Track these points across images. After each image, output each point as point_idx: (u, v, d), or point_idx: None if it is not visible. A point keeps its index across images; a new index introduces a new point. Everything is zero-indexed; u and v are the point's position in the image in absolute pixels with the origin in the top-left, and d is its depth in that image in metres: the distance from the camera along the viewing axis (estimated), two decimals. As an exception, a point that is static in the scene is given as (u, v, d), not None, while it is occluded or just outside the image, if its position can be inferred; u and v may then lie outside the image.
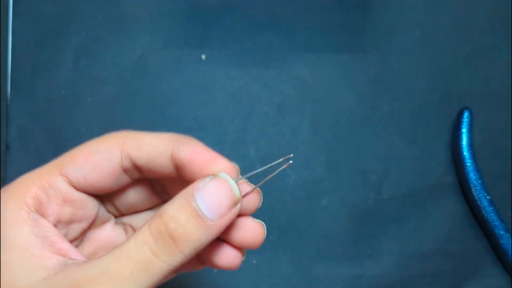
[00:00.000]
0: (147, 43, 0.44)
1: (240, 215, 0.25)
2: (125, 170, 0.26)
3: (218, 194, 0.23)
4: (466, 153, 0.43)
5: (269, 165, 0.27)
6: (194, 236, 0.23)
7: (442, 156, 0.44)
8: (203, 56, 0.45)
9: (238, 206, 0.24)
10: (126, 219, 0.30)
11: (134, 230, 0.30)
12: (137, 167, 0.26)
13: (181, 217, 0.23)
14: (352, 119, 0.44)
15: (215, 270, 0.42)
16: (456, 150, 0.43)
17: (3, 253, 0.23)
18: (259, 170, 0.26)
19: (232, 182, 0.24)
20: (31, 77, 0.44)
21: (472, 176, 0.42)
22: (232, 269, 0.26)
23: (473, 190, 0.42)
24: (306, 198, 0.43)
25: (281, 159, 0.27)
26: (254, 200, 0.26)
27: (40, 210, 0.24)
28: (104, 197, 0.28)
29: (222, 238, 0.26)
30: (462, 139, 0.43)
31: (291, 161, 0.27)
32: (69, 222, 0.26)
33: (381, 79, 0.45)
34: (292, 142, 0.44)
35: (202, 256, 0.27)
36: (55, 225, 0.25)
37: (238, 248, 0.26)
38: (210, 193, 0.23)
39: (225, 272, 0.42)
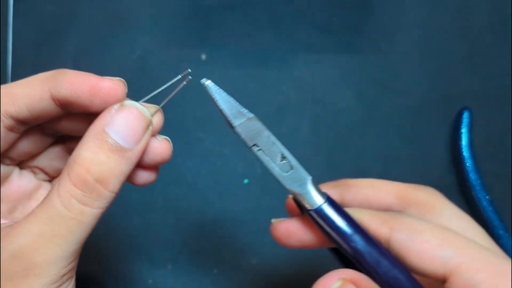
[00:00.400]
0: (147, 43, 0.44)
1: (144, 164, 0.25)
2: (11, 129, 0.25)
3: (129, 122, 0.23)
4: (465, 153, 0.43)
5: (166, 85, 0.26)
6: (119, 170, 0.23)
7: (442, 156, 0.44)
8: (203, 56, 0.45)
9: (151, 127, 0.24)
10: (29, 163, 0.28)
11: (42, 170, 0.28)
12: (21, 121, 0.24)
13: (101, 157, 0.22)
14: (352, 119, 0.44)
15: (215, 270, 0.42)
16: (456, 150, 0.43)
17: None
18: (156, 92, 0.26)
19: (140, 106, 0.24)
20: (31, 77, 0.44)
21: (472, 176, 0.42)
22: (150, 183, 0.26)
23: (472, 190, 0.42)
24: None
25: (178, 76, 0.26)
26: (158, 120, 0.26)
27: None
28: None
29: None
30: (461, 139, 0.43)
31: (190, 77, 0.26)
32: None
33: (380, 79, 0.45)
34: (292, 142, 0.44)
35: None
36: None
37: (152, 167, 0.26)
38: (121, 123, 0.23)
39: (225, 272, 0.42)
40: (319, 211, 0.24)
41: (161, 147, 0.25)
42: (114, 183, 0.23)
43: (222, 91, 0.25)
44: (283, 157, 0.26)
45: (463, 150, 0.43)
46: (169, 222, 0.42)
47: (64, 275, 0.23)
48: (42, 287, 0.22)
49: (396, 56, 0.45)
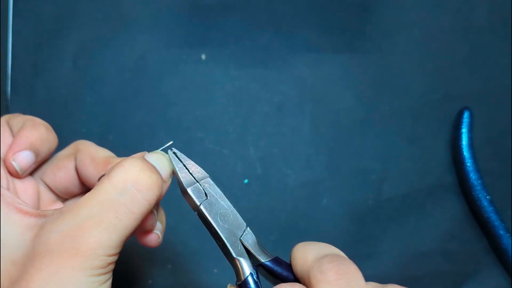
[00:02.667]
0: (147, 43, 0.44)
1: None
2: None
3: (162, 161, 0.27)
4: (466, 153, 0.43)
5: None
6: (160, 182, 0.25)
7: (442, 156, 0.44)
8: (203, 56, 0.45)
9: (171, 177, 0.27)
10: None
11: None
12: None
13: (148, 165, 0.25)
14: (352, 119, 0.44)
15: (215, 270, 0.42)
16: (456, 150, 0.43)
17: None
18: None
19: (168, 157, 0.27)
20: (31, 77, 0.44)
21: (472, 176, 0.42)
22: (153, 246, 0.29)
23: (473, 190, 0.42)
24: (306, 198, 0.43)
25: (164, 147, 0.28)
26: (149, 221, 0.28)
27: None
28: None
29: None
30: (462, 139, 0.43)
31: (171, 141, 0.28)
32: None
33: (381, 79, 0.45)
34: (292, 142, 0.44)
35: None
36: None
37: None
38: (157, 159, 0.27)
39: (225, 272, 0.42)
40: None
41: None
42: (159, 191, 0.25)
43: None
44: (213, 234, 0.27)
45: (463, 150, 0.43)
46: (169, 222, 0.42)
47: (109, 264, 0.23)
48: (87, 268, 0.23)
49: (396, 56, 0.45)
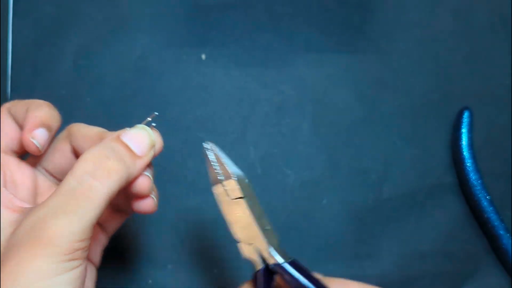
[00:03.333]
0: (147, 43, 0.44)
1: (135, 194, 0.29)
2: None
3: (140, 136, 0.28)
4: (466, 153, 0.43)
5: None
6: (128, 162, 0.27)
7: (442, 156, 0.44)
8: (203, 56, 0.45)
9: (153, 149, 0.29)
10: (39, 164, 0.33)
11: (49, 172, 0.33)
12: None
13: (114, 146, 0.27)
14: (352, 119, 0.44)
15: (215, 270, 0.42)
16: (456, 150, 0.43)
17: None
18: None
19: (149, 129, 0.29)
20: (31, 77, 0.44)
21: (472, 176, 0.42)
22: (151, 212, 0.30)
23: (473, 190, 0.42)
24: (306, 198, 0.43)
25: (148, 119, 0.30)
26: (159, 145, 0.30)
27: None
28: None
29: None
30: (462, 139, 0.43)
31: (156, 113, 0.30)
32: (14, 186, 0.29)
33: (381, 79, 0.45)
34: (292, 142, 0.44)
35: (121, 206, 0.31)
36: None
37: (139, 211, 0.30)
38: (133, 136, 0.28)
39: (225, 272, 0.42)
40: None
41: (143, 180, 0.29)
42: (121, 174, 0.26)
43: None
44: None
45: (463, 150, 0.43)
46: (169, 222, 0.42)
47: (75, 250, 0.24)
48: (53, 255, 0.24)
49: (396, 56, 0.45)
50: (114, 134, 0.28)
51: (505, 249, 0.41)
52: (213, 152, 0.29)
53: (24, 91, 0.43)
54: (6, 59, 0.44)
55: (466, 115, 0.43)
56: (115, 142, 0.27)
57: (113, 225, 0.33)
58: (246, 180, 0.29)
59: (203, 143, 0.29)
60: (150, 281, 0.41)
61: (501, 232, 0.41)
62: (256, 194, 0.43)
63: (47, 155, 0.31)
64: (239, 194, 0.28)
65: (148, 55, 0.44)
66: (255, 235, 0.28)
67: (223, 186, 0.28)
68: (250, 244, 0.28)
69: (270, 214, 0.43)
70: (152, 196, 0.30)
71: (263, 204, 0.43)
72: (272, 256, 0.27)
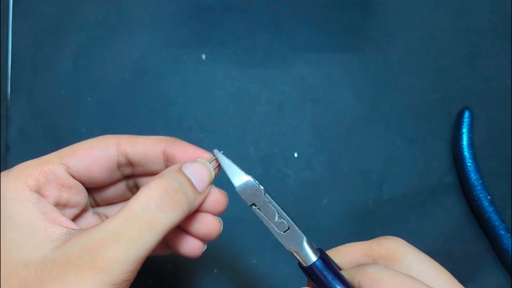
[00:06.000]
0: (147, 43, 0.44)
1: (202, 211, 0.29)
2: (119, 166, 0.29)
3: (201, 171, 0.28)
4: (466, 153, 0.43)
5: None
6: (190, 197, 0.26)
7: (443, 156, 0.44)
8: (203, 56, 0.45)
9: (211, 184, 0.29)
10: (100, 210, 0.32)
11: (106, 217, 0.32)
12: (130, 163, 0.29)
13: (180, 180, 0.26)
14: (352, 119, 0.44)
15: (215, 270, 0.42)
16: (457, 150, 0.43)
17: (10, 231, 0.24)
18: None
19: (209, 165, 0.28)
20: (31, 77, 0.44)
21: (473, 176, 0.42)
22: (194, 256, 0.30)
23: (473, 190, 0.42)
24: (306, 198, 0.43)
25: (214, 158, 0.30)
26: (221, 202, 0.29)
27: (40, 192, 0.26)
28: (89, 188, 0.30)
29: (185, 229, 0.30)
30: (462, 139, 0.43)
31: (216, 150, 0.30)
32: (65, 206, 0.28)
33: (381, 79, 0.45)
34: (292, 142, 0.44)
35: (169, 242, 0.30)
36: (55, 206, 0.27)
37: (200, 238, 0.30)
38: (195, 169, 0.27)
39: (225, 272, 0.42)
40: (311, 268, 0.27)
41: (212, 222, 0.29)
42: (184, 210, 0.26)
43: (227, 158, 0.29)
44: (280, 216, 0.28)
45: (464, 149, 0.43)
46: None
47: (125, 280, 0.24)
48: (103, 283, 0.23)
49: (397, 56, 0.45)
50: (177, 165, 0.28)
51: (506, 249, 0.41)
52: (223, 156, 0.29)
53: (24, 91, 0.43)
54: (6, 59, 0.44)
55: (466, 115, 0.43)
56: (180, 174, 0.27)
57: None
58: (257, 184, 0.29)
59: (214, 151, 0.29)
60: (150, 281, 0.41)
61: (502, 232, 0.41)
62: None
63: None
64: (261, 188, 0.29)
65: (148, 55, 0.44)
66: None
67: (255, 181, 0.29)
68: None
69: (270, 214, 0.43)
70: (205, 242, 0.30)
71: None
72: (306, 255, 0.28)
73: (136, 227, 0.24)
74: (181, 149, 0.29)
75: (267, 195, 0.28)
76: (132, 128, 0.44)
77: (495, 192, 0.42)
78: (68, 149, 0.28)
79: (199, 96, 0.44)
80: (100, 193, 0.31)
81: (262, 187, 0.28)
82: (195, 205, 0.27)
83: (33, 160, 0.27)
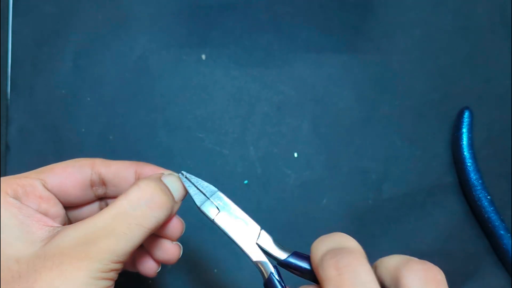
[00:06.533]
0: (147, 43, 0.44)
1: (165, 237, 0.31)
2: (93, 184, 0.31)
3: (177, 182, 0.30)
4: (466, 153, 0.43)
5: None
6: (171, 200, 0.29)
7: (443, 156, 0.44)
8: (203, 56, 0.45)
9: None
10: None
11: None
12: (103, 182, 0.31)
13: (163, 186, 0.29)
14: (352, 119, 0.44)
15: (215, 270, 0.42)
16: (457, 150, 0.43)
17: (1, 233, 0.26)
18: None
19: (181, 180, 0.30)
20: (31, 77, 0.44)
21: (473, 176, 0.42)
22: (149, 276, 0.32)
23: (473, 190, 0.42)
24: (306, 198, 0.43)
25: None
26: (178, 227, 0.31)
27: (20, 201, 0.28)
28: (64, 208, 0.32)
29: (149, 254, 0.32)
30: (462, 139, 0.43)
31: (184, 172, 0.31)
32: (45, 216, 0.29)
33: (381, 79, 0.45)
34: (292, 142, 0.44)
35: (135, 261, 0.33)
36: None
37: (160, 261, 0.32)
38: (173, 180, 0.30)
39: (225, 272, 0.42)
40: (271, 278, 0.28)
41: (171, 248, 0.32)
42: (168, 211, 0.28)
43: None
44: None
45: (463, 149, 0.43)
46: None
47: (112, 270, 0.26)
48: (92, 271, 0.25)
49: (397, 56, 0.45)
50: (157, 174, 0.30)
51: (506, 249, 0.41)
52: (188, 180, 0.30)
53: (24, 91, 0.44)
54: (6, 59, 0.44)
55: (466, 115, 0.43)
56: (162, 182, 0.29)
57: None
58: (218, 193, 0.30)
59: (182, 172, 0.31)
60: (150, 281, 0.41)
61: (502, 232, 0.41)
62: (256, 194, 0.43)
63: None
64: (210, 218, 0.29)
65: (148, 55, 0.44)
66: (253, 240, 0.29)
67: (202, 209, 0.30)
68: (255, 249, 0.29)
69: (270, 214, 0.43)
70: (179, 244, 0.33)
71: (263, 204, 0.43)
72: (279, 252, 0.28)
73: (126, 223, 0.26)
74: (151, 169, 0.31)
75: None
76: (132, 128, 0.44)
77: (495, 192, 0.42)
78: (45, 167, 0.30)
79: (199, 96, 0.44)
80: (74, 213, 0.33)
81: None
82: (174, 210, 0.30)
83: (11, 176, 0.29)
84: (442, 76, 0.45)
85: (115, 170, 0.31)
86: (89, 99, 0.44)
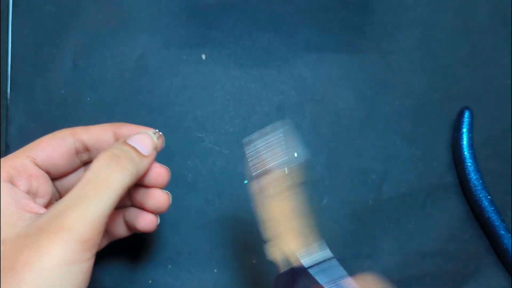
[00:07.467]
0: (147, 43, 0.44)
1: (153, 187, 0.34)
2: (77, 152, 0.33)
3: (144, 139, 0.32)
4: (466, 153, 0.42)
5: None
6: (136, 160, 0.31)
7: (443, 156, 0.44)
8: (203, 56, 0.45)
9: (155, 149, 0.33)
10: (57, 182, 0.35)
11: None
12: (86, 148, 0.33)
13: (124, 148, 0.31)
14: (352, 119, 0.44)
15: (215, 270, 0.42)
16: (457, 150, 0.43)
17: None
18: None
19: (151, 134, 0.33)
20: (31, 77, 0.44)
21: (473, 176, 0.42)
22: (150, 230, 0.35)
23: (473, 190, 0.42)
24: (306, 198, 0.43)
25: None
26: (160, 142, 0.34)
27: (12, 182, 0.30)
28: (52, 180, 0.34)
29: (140, 207, 0.34)
30: (462, 139, 0.43)
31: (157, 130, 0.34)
32: (35, 195, 0.32)
33: (381, 79, 0.45)
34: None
35: (128, 223, 0.35)
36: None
37: (153, 212, 0.35)
38: (137, 138, 0.32)
39: (225, 272, 0.42)
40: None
41: (161, 195, 0.34)
42: (131, 170, 0.30)
43: None
44: None
45: (464, 149, 0.43)
46: (169, 222, 0.42)
47: (89, 240, 0.26)
48: (70, 242, 0.26)
49: (397, 56, 0.45)
50: (122, 138, 0.32)
51: (506, 249, 0.41)
52: (254, 144, 0.30)
53: (24, 91, 0.44)
54: (6, 59, 0.44)
55: (466, 115, 0.43)
56: (123, 145, 0.31)
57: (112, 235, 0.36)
58: (291, 172, 0.28)
59: (244, 140, 0.32)
60: (150, 281, 0.41)
61: (502, 232, 0.41)
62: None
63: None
64: (275, 190, 0.28)
65: (148, 55, 0.44)
66: (286, 235, 0.27)
67: (259, 182, 0.29)
68: (277, 244, 0.27)
69: (270, 214, 0.43)
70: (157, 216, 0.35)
71: (263, 204, 0.43)
72: (298, 259, 0.27)
73: (91, 189, 0.28)
74: (128, 129, 0.33)
75: None
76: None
77: (495, 192, 0.42)
78: (32, 144, 0.32)
79: (199, 96, 0.44)
80: (63, 182, 0.35)
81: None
82: (144, 166, 0.31)
83: (3, 158, 0.31)
84: (442, 76, 0.45)
85: (95, 135, 0.33)
86: (89, 99, 0.44)
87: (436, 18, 0.46)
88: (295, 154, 0.29)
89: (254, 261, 0.42)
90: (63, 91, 0.44)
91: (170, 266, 0.42)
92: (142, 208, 0.35)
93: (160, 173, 0.33)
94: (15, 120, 0.43)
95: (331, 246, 0.43)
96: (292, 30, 0.45)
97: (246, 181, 0.43)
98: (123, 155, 0.30)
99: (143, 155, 0.31)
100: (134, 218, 0.34)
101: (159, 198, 0.34)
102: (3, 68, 0.43)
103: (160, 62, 0.44)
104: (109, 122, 0.43)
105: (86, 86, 0.44)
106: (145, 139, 0.32)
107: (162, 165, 0.34)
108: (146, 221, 0.34)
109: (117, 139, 0.33)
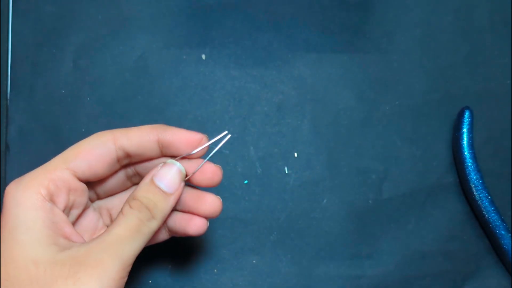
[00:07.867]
0: (147, 43, 0.44)
1: (200, 185, 0.33)
2: (118, 159, 0.32)
3: (169, 174, 0.31)
4: (466, 153, 0.42)
5: (211, 141, 0.34)
6: (161, 205, 0.31)
7: (443, 156, 0.44)
8: (203, 56, 0.45)
9: (184, 180, 0.32)
10: (101, 203, 0.35)
11: (108, 212, 0.35)
12: (128, 155, 0.32)
13: (149, 195, 0.31)
14: (352, 119, 0.44)
15: (215, 270, 0.42)
16: (457, 150, 0.43)
17: (22, 233, 0.28)
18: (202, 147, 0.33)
19: (178, 164, 0.32)
20: (31, 77, 0.44)
21: (473, 176, 0.42)
22: (199, 234, 0.34)
23: (474, 190, 0.42)
24: (306, 198, 0.43)
25: (219, 136, 0.34)
26: (213, 174, 0.33)
27: (52, 199, 0.29)
28: (90, 185, 0.33)
29: (191, 212, 0.34)
30: (462, 138, 0.43)
31: (229, 135, 0.34)
32: (71, 207, 0.31)
33: (381, 79, 0.45)
34: (292, 142, 0.44)
35: (174, 228, 0.34)
36: (63, 211, 0.30)
37: (204, 217, 0.34)
38: (163, 175, 0.31)
39: (225, 272, 0.42)
40: None
41: (213, 201, 0.34)
42: (159, 214, 0.31)
43: None
44: None
45: (464, 149, 0.43)
46: (169, 222, 0.42)
47: (121, 278, 0.28)
48: (106, 278, 0.27)
49: (397, 56, 0.45)
50: (148, 176, 0.32)
51: (506, 249, 0.41)
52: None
53: (24, 91, 0.44)
54: (6, 59, 0.44)
55: (466, 115, 0.43)
56: (151, 185, 0.31)
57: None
58: None
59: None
60: (150, 281, 0.41)
61: (502, 232, 0.41)
62: (256, 194, 0.43)
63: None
64: None
65: (148, 55, 0.44)
66: None
67: None
68: None
69: (270, 214, 0.43)
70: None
71: (263, 204, 0.43)
72: None
73: (126, 230, 0.29)
74: (172, 133, 0.32)
75: None
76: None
77: (495, 192, 0.42)
78: (70, 151, 0.31)
79: (199, 96, 0.44)
80: (102, 186, 0.34)
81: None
82: (170, 205, 0.31)
83: (40, 168, 0.30)
84: (442, 76, 0.45)
85: (137, 141, 0.32)
86: (89, 99, 0.44)
87: (436, 18, 0.46)
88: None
89: (254, 261, 0.42)
90: (63, 91, 0.44)
91: (170, 266, 0.42)
92: (192, 213, 0.34)
93: (214, 172, 0.33)
94: (15, 120, 0.43)
95: (331, 246, 0.43)
96: (292, 30, 0.45)
97: (246, 181, 0.43)
98: (152, 206, 0.30)
99: (168, 194, 0.31)
100: (185, 223, 0.34)
101: (213, 203, 0.33)
102: (3, 68, 0.43)
103: (160, 62, 0.44)
104: (109, 122, 0.43)
105: (86, 86, 0.44)
106: (171, 174, 0.31)
107: (216, 164, 0.33)
108: (197, 226, 0.34)
109: (161, 145, 0.32)
